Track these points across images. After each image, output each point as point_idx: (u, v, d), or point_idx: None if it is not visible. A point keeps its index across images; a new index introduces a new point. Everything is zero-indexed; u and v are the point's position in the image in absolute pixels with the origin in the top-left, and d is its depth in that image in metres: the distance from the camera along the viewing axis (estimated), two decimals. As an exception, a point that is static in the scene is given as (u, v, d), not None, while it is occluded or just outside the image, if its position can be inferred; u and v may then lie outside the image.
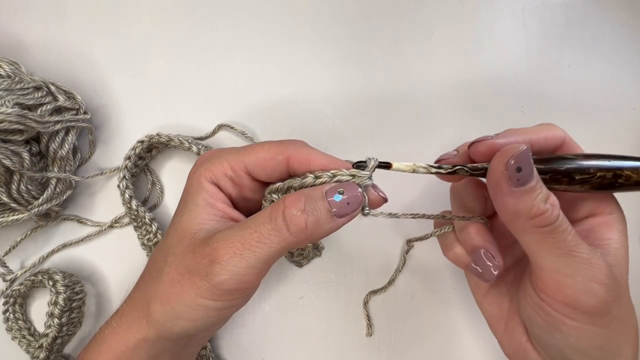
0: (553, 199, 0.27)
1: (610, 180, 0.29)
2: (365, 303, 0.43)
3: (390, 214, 0.31)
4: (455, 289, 0.44)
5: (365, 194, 0.28)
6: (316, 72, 0.47)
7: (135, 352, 0.30)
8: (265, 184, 0.32)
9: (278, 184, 0.30)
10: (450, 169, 0.30)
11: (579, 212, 0.31)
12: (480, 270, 0.33)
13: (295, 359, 0.43)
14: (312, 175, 0.28)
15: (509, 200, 0.27)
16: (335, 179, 0.28)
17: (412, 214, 0.33)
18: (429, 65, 0.48)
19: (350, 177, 0.28)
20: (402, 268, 0.43)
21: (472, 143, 0.31)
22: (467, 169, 0.30)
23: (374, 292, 0.43)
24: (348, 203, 0.27)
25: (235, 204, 0.32)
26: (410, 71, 0.48)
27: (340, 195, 0.27)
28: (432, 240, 0.44)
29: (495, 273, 0.31)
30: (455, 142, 0.45)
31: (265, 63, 0.48)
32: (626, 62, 0.49)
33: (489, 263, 0.32)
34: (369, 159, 0.29)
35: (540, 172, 0.28)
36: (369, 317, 0.43)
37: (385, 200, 0.30)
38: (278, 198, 0.30)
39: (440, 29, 0.49)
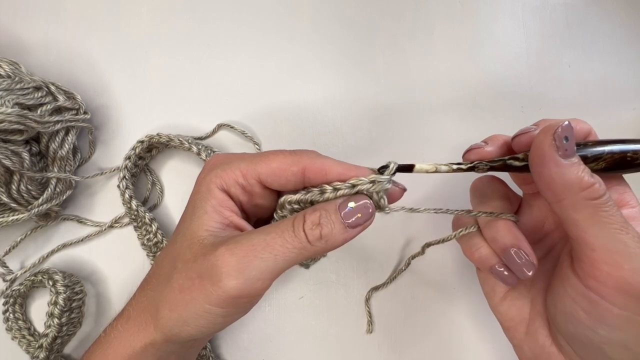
0: (596, 176, 0.27)
1: (620, 155, 0.30)
2: (367, 299, 0.43)
3: (411, 209, 0.31)
4: (456, 288, 0.44)
5: (384, 196, 0.29)
6: (316, 72, 0.47)
7: (143, 356, 0.30)
8: (276, 192, 0.32)
9: (298, 196, 0.30)
10: (470, 164, 0.31)
11: None
12: (507, 273, 0.32)
13: (295, 359, 0.43)
14: (330, 188, 0.29)
15: (558, 171, 0.27)
16: (356, 189, 0.29)
17: (435, 209, 0.32)
18: (429, 65, 0.48)
19: (371, 184, 0.29)
20: (405, 268, 0.42)
21: (515, 136, 0.31)
22: (486, 163, 0.31)
23: (376, 288, 0.43)
24: (359, 215, 0.28)
25: (244, 211, 0.32)
26: (410, 71, 0.48)
27: (352, 209, 0.28)
28: (431, 237, 0.44)
29: (529, 273, 0.31)
30: (455, 142, 0.46)
31: (266, 63, 0.48)
32: (626, 62, 0.49)
33: (522, 262, 0.31)
34: (389, 162, 0.29)
35: None
36: (370, 314, 0.43)
37: (404, 190, 0.31)
38: (299, 208, 0.31)
39: (440, 29, 0.49)
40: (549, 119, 0.31)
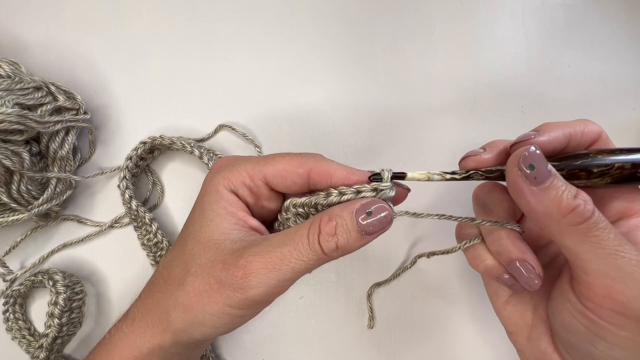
0: (584, 194, 0.26)
1: (630, 171, 0.28)
2: (369, 295, 0.43)
3: (414, 213, 0.31)
4: (456, 289, 0.44)
5: (390, 204, 0.29)
6: (316, 71, 0.47)
7: (149, 358, 0.30)
8: (282, 194, 0.32)
9: (304, 199, 0.30)
10: (465, 174, 0.30)
11: (609, 212, 0.30)
12: (511, 283, 0.31)
13: (295, 359, 0.43)
14: (336, 192, 0.29)
15: (533, 200, 0.26)
16: (360, 195, 0.28)
17: (438, 215, 0.32)
18: (428, 65, 0.48)
19: (374, 192, 0.28)
20: (411, 266, 0.42)
21: (514, 143, 0.30)
22: (482, 173, 0.30)
23: (378, 284, 0.43)
24: (376, 222, 0.28)
25: (250, 212, 0.32)
26: (410, 71, 0.48)
27: (368, 215, 0.27)
28: (433, 240, 0.44)
29: (537, 283, 0.30)
30: (455, 142, 0.46)
31: (266, 63, 0.48)
32: (626, 62, 0.49)
33: (529, 275, 0.30)
34: (383, 170, 0.29)
35: (555, 168, 0.27)
36: (371, 309, 0.43)
37: (408, 190, 0.31)
38: (304, 211, 0.30)
39: (440, 29, 0.49)
40: (551, 123, 0.30)
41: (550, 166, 0.26)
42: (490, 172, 0.30)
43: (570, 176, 0.28)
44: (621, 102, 0.48)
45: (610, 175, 0.28)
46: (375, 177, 0.29)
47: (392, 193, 0.29)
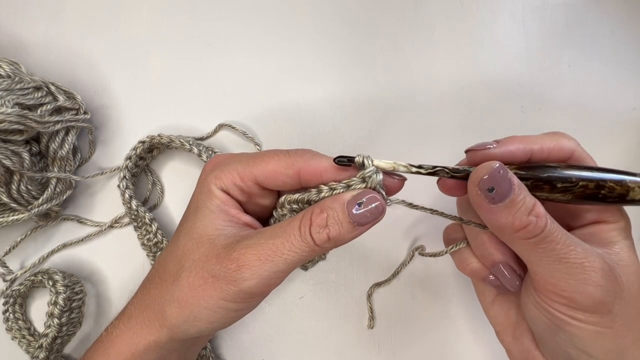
0: (538, 209, 0.27)
1: (592, 191, 0.28)
2: (369, 296, 0.43)
3: (410, 204, 0.31)
4: (455, 288, 0.44)
5: (381, 190, 0.29)
6: (316, 71, 0.47)
7: (145, 354, 0.30)
8: (274, 191, 0.32)
9: (297, 195, 0.30)
10: (431, 169, 0.30)
11: (583, 220, 0.31)
12: (497, 283, 0.33)
13: (295, 359, 0.43)
14: (327, 188, 0.29)
15: (489, 217, 0.28)
16: (351, 188, 0.29)
17: (431, 209, 0.32)
18: (428, 65, 0.48)
19: (363, 183, 0.28)
20: (408, 262, 0.43)
21: (469, 150, 0.31)
22: (448, 171, 0.30)
23: (378, 284, 0.43)
24: (368, 213, 0.28)
25: (244, 209, 0.33)
26: (410, 71, 0.48)
27: (360, 206, 0.28)
28: (433, 241, 0.44)
29: (518, 284, 0.32)
30: (454, 142, 0.45)
31: (266, 62, 0.48)
32: (626, 62, 0.49)
33: (511, 276, 0.32)
34: (359, 155, 0.29)
35: (521, 178, 0.28)
36: (371, 309, 0.43)
37: (404, 179, 0.31)
38: (298, 207, 0.31)
39: (440, 29, 0.49)
40: (516, 136, 0.31)
41: (513, 180, 0.27)
42: (457, 172, 0.30)
43: (534, 187, 0.29)
44: (621, 102, 0.48)
45: (572, 192, 0.29)
46: (341, 159, 0.29)
47: (380, 176, 0.29)
